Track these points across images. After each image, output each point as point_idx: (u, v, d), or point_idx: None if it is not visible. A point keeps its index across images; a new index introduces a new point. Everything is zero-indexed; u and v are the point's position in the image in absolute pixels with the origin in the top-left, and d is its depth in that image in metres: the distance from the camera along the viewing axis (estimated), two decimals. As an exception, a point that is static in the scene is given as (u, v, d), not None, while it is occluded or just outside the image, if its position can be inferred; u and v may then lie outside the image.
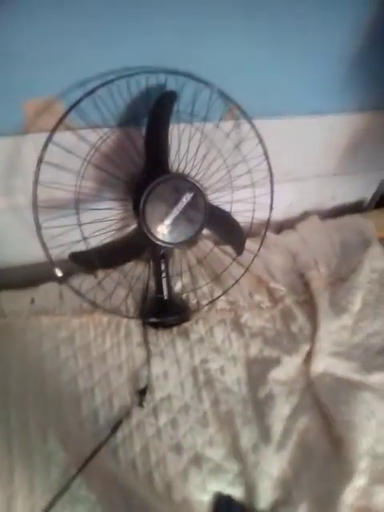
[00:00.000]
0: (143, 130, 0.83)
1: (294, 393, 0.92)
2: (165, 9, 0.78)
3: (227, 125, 0.95)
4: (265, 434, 0.84)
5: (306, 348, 0.98)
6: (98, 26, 0.76)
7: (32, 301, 1.00)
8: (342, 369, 0.95)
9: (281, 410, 0.88)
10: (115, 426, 0.83)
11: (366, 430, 0.83)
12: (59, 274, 0.82)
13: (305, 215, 1.34)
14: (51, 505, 0.72)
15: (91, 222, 0.83)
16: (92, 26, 0.75)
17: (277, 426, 0.86)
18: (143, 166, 0.83)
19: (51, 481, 0.76)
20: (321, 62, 0.99)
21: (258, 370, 0.94)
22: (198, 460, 0.81)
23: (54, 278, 0.86)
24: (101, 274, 1.01)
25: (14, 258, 1.06)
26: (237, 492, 0.78)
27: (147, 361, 0.93)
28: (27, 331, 0.95)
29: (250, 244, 1.06)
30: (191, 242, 0.87)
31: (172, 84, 0.84)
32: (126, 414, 0.85)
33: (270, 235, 1.23)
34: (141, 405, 0.86)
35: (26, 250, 1.00)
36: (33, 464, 0.77)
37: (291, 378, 0.94)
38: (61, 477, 0.76)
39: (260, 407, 0.89)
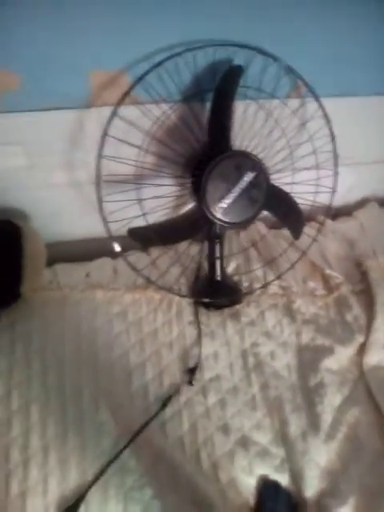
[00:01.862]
0: (207, 105, 0.81)
1: (346, 384, 0.89)
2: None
3: (293, 103, 0.92)
4: (314, 423, 0.83)
5: (360, 339, 0.94)
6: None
7: (87, 274, 1.02)
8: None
9: (331, 400, 0.86)
10: (165, 402, 0.83)
11: (420, 427, 0.80)
12: (118, 248, 0.83)
13: (363, 202, 1.29)
14: (102, 472, 0.74)
15: (151, 198, 0.83)
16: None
17: (326, 416, 0.84)
18: (205, 143, 0.81)
19: (102, 449, 0.77)
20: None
21: (309, 358, 0.92)
22: (244, 442, 0.80)
23: (109, 253, 0.87)
24: (155, 252, 1.01)
25: (71, 232, 1.08)
26: (283, 478, 0.77)
27: (198, 340, 0.93)
28: (81, 304, 0.97)
29: (307, 228, 1.03)
30: (247, 224, 0.85)
31: (239, 59, 0.82)
32: (176, 390, 0.85)
33: (327, 221, 1.18)
34: (190, 383, 0.86)
35: (83, 225, 1.01)
36: (85, 432, 0.79)
37: (343, 369, 0.91)
38: (111, 447, 0.77)
39: (310, 395, 0.87)
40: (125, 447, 0.76)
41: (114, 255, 0.98)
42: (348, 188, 1.24)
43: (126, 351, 0.91)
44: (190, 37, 0.78)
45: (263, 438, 0.81)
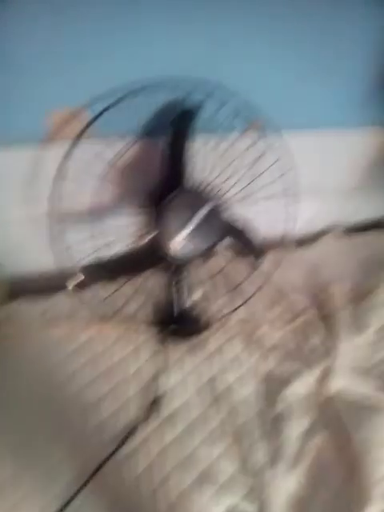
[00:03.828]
0: (165, 141, 0.82)
1: (311, 410, 0.87)
2: (191, 23, 0.79)
3: (250, 137, 0.94)
4: (280, 450, 0.80)
5: (324, 364, 0.93)
6: (123, 37, 0.77)
7: (44, 311, 0.99)
8: (361, 387, 0.90)
9: (297, 427, 0.84)
10: (121, 441, 0.79)
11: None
12: (70, 286, 0.81)
13: (327, 229, 1.31)
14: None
15: (108, 233, 0.83)
16: (116, 37, 0.76)
17: (292, 443, 0.81)
18: (162, 179, 0.82)
19: (55, 493, 0.72)
20: (345, 76, 0.99)
21: (274, 385, 0.90)
22: (208, 474, 0.77)
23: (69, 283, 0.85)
24: (115, 284, 0.99)
25: (29, 268, 1.06)
26: (251, 507, 0.74)
27: (158, 374, 0.90)
28: (38, 342, 0.94)
29: (271, 256, 1.04)
30: (207, 255, 0.85)
31: (196, 95, 0.84)
32: (133, 428, 0.81)
33: (292, 248, 1.20)
34: (148, 419, 0.83)
35: (41, 260, 0.99)
36: (38, 475, 0.75)
37: (308, 395, 0.89)
38: (64, 490, 0.72)
39: (275, 423, 0.84)
40: (77, 492, 0.72)
41: (73, 291, 0.96)
42: (311, 216, 1.26)
43: (82, 389, 0.87)
44: (148, 74, 0.80)
45: (228, 468, 0.78)
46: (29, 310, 1.00)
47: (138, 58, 0.80)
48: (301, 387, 0.89)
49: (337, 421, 0.84)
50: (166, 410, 0.85)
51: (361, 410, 0.86)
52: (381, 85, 1.02)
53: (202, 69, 0.83)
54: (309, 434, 0.83)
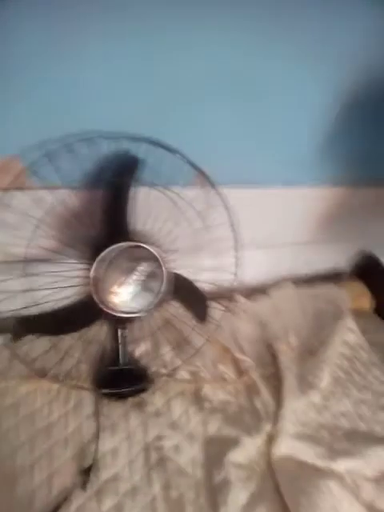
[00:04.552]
0: (103, 193, 0.81)
1: (253, 478, 0.84)
2: (133, 76, 0.79)
3: (194, 190, 0.94)
4: (218, 526, 0.76)
5: (268, 427, 0.91)
6: (62, 85, 0.76)
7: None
8: (306, 453, 0.88)
9: (237, 498, 0.80)
10: (52, 512, 0.75)
11: (329, 529, 0.76)
12: (4, 340, 0.77)
13: (278, 281, 1.32)
14: None
15: (44, 286, 0.80)
16: (55, 89, 0.75)
17: (231, 518, 0.78)
18: (101, 233, 0.80)
19: None
20: (296, 134, 1.01)
21: (215, 451, 0.87)
22: None
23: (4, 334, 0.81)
24: (54, 336, 0.95)
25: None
26: None
27: (96, 436, 0.86)
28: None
29: (217, 309, 1.02)
30: (148, 311, 0.83)
31: (136, 147, 0.84)
32: (66, 497, 0.77)
33: (240, 300, 1.20)
34: (83, 487, 0.79)
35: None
36: None
37: (250, 462, 0.87)
38: None
39: (214, 494, 0.80)
40: None
41: (12, 335, 0.91)
42: (262, 268, 1.27)
43: (14, 451, 0.82)
44: (86, 126, 0.79)
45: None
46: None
47: (73, 110, 0.80)
48: (242, 454, 0.86)
49: (278, 492, 0.82)
50: (103, 476, 0.81)
51: (304, 478, 0.83)
52: (331, 145, 1.06)
53: (142, 123, 0.83)
54: (249, 506, 0.79)
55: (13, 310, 0.79)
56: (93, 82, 0.77)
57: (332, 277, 1.41)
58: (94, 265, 0.73)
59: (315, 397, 0.98)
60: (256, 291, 1.28)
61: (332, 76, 0.95)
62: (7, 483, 0.78)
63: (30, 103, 0.76)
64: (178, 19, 0.76)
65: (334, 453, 0.89)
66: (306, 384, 1.00)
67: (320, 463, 0.87)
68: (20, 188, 0.77)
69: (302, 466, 0.87)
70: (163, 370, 0.99)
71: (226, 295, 1.06)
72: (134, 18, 0.73)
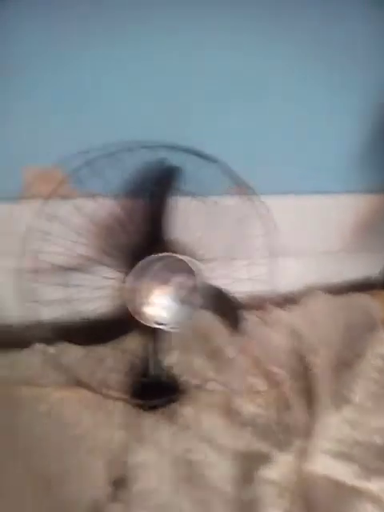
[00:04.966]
0: (142, 202, 0.81)
1: (285, 496, 0.82)
2: (173, 84, 0.77)
3: (231, 199, 0.93)
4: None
5: (300, 443, 0.89)
6: (103, 97, 0.75)
7: (14, 366, 0.95)
8: (340, 471, 0.86)
9: (268, 517, 0.79)
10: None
11: None
12: (40, 347, 0.78)
13: (309, 290, 1.29)
14: None
15: (82, 294, 0.80)
16: (96, 97, 0.75)
17: (262, 535, 0.76)
18: (140, 242, 0.79)
19: None
20: (333, 142, 0.99)
21: (246, 466, 0.85)
22: None
23: (43, 340, 0.82)
24: (89, 345, 0.95)
25: (2, 319, 1.01)
26: None
27: (126, 447, 0.85)
28: (2, 402, 0.89)
29: (250, 318, 1.01)
30: (183, 323, 0.82)
31: (176, 157, 0.83)
32: (97, 508, 0.77)
33: (272, 310, 1.18)
34: (115, 498, 0.78)
35: (15, 312, 0.96)
36: None
37: (282, 478, 0.85)
38: None
39: (245, 511, 0.80)
40: None
41: (47, 341, 0.92)
42: (293, 277, 1.25)
43: (47, 457, 0.82)
44: (127, 136, 0.79)
45: None
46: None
47: (113, 119, 0.79)
48: (274, 470, 0.85)
49: (311, 510, 0.80)
50: (133, 488, 0.80)
51: (338, 498, 0.81)
52: (367, 153, 1.03)
53: (181, 132, 0.83)
54: (282, 525, 0.78)
55: (50, 318, 0.79)
56: (129, 91, 0.77)
57: (365, 286, 1.38)
58: (131, 275, 0.72)
59: (349, 412, 0.95)
60: (287, 301, 1.26)
61: (370, 81, 0.92)
62: (40, 489, 0.78)
63: (70, 112, 0.75)
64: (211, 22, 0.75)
65: (368, 472, 0.86)
66: (340, 398, 0.97)
67: (354, 482, 0.85)
68: (61, 196, 0.76)
69: (336, 484, 0.85)
70: (194, 381, 0.98)
71: (258, 305, 1.04)
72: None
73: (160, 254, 0.74)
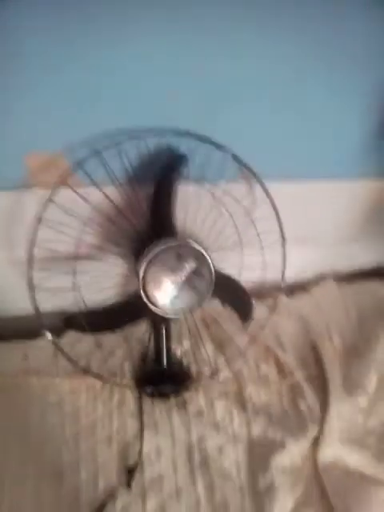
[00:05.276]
0: (149, 191, 0.80)
1: (299, 483, 0.82)
2: (179, 70, 0.76)
3: (240, 187, 0.91)
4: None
5: (313, 431, 0.89)
6: (108, 83, 0.74)
7: (24, 357, 0.95)
8: (354, 459, 0.86)
9: (283, 503, 0.79)
10: (97, 510, 0.75)
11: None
12: (49, 337, 0.77)
13: (320, 278, 1.28)
14: None
15: (90, 283, 0.79)
16: (101, 83, 0.73)
17: (277, 525, 0.76)
18: (147, 230, 0.79)
19: None
20: (343, 127, 0.97)
21: (259, 454, 0.85)
22: None
23: (50, 331, 0.81)
24: (99, 334, 0.95)
25: (8, 311, 1.02)
26: None
27: (140, 434, 0.85)
28: (14, 392, 0.89)
29: (260, 307, 1.00)
30: (193, 310, 0.81)
31: (183, 145, 0.81)
32: (111, 495, 0.77)
33: (282, 298, 1.16)
34: (128, 485, 0.78)
35: (20, 304, 0.95)
36: None
37: (296, 466, 0.85)
38: None
39: (259, 498, 0.79)
40: None
41: (57, 331, 0.92)
42: (303, 265, 1.24)
43: (59, 447, 0.83)
44: (133, 123, 0.77)
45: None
46: (6, 354, 0.96)
47: (123, 105, 0.77)
48: (287, 458, 0.85)
49: (325, 497, 0.80)
50: (147, 475, 0.81)
51: (353, 485, 0.82)
52: (378, 136, 1.01)
53: (188, 119, 0.80)
54: None
55: (58, 307, 0.78)
56: (134, 75, 0.75)
57: (375, 273, 1.36)
58: (139, 262, 0.72)
59: (362, 400, 0.95)
60: (297, 288, 1.24)
61: (378, 65, 0.90)
62: (54, 479, 0.79)
63: (74, 98, 0.74)
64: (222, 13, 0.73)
65: (382, 460, 0.86)
66: (352, 386, 0.96)
67: (368, 470, 0.85)
68: (66, 185, 0.75)
69: (350, 472, 0.85)
70: (206, 370, 0.97)
71: (268, 293, 1.03)
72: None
73: (168, 241, 0.73)
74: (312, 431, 0.89)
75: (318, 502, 0.80)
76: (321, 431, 0.88)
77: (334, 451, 0.86)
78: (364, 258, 1.33)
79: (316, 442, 0.88)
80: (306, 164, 0.99)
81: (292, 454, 0.86)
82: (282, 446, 0.86)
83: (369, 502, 0.79)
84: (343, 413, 0.92)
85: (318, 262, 1.26)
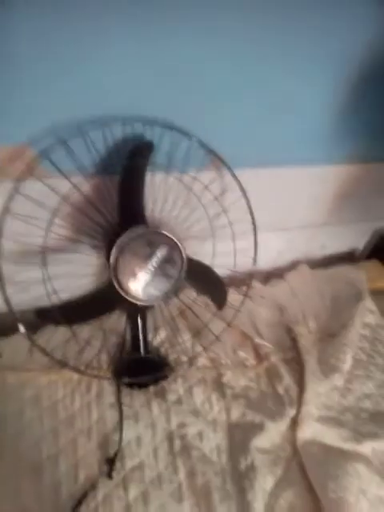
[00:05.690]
0: (118, 179, 0.79)
1: (279, 463, 0.84)
2: (143, 58, 0.76)
3: (209, 174, 0.92)
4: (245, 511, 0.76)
5: (292, 412, 0.91)
6: (73, 70, 0.73)
7: (0, 354, 0.94)
8: (331, 436, 0.88)
9: (263, 484, 0.80)
10: (78, 501, 0.75)
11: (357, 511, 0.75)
12: (22, 330, 0.76)
13: (293, 264, 1.30)
14: None
15: (62, 275, 0.79)
16: (65, 71, 0.72)
17: (258, 503, 0.77)
18: (116, 219, 0.78)
19: None
20: (308, 112, 0.98)
21: (239, 437, 0.87)
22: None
23: (23, 325, 0.80)
24: (73, 326, 0.94)
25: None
26: None
27: (119, 424, 0.85)
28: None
29: (234, 295, 1.01)
30: (167, 297, 0.82)
31: (151, 132, 0.81)
32: (92, 485, 0.77)
33: (257, 285, 1.18)
34: (109, 475, 0.78)
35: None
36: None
37: (275, 446, 0.86)
38: None
39: (240, 480, 0.80)
40: None
41: (31, 326, 0.90)
42: (277, 252, 1.25)
43: (38, 441, 0.82)
44: (99, 111, 0.77)
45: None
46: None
47: (89, 93, 0.76)
48: (267, 440, 0.86)
49: (305, 476, 0.82)
50: (128, 464, 0.81)
51: (330, 462, 0.83)
52: (345, 121, 1.02)
53: (154, 106, 0.80)
54: (275, 492, 0.80)
55: (31, 301, 0.77)
56: (102, 64, 0.74)
57: (348, 258, 1.39)
58: (113, 253, 0.71)
59: (338, 380, 0.97)
60: (271, 275, 1.26)
61: (342, 50, 0.91)
62: (33, 473, 0.78)
63: (39, 88, 0.73)
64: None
65: (359, 435, 0.88)
66: (328, 367, 0.99)
67: (346, 446, 0.87)
68: (32, 176, 0.74)
69: (328, 449, 0.87)
70: (183, 358, 0.98)
71: (242, 280, 1.04)
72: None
73: (140, 229, 0.73)
74: (290, 412, 0.90)
75: (298, 481, 0.82)
76: (299, 411, 0.90)
77: (312, 430, 0.88)
78: (336, 243, 1.36)
79: (294, 423, 0.89)
80: (274, 150, 1.00)
81: (271, 435, 0.87)
82: (260, 428, 0.87)
83: (349, 477, 0.80)
84: (320, 393, 0.94)
85: (292, 248, 1.28)
